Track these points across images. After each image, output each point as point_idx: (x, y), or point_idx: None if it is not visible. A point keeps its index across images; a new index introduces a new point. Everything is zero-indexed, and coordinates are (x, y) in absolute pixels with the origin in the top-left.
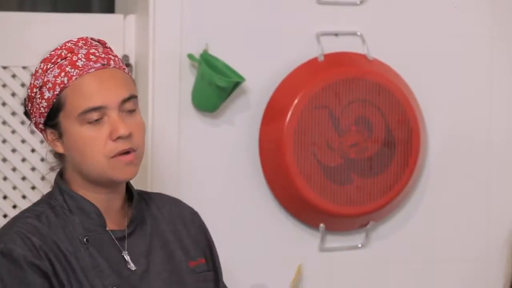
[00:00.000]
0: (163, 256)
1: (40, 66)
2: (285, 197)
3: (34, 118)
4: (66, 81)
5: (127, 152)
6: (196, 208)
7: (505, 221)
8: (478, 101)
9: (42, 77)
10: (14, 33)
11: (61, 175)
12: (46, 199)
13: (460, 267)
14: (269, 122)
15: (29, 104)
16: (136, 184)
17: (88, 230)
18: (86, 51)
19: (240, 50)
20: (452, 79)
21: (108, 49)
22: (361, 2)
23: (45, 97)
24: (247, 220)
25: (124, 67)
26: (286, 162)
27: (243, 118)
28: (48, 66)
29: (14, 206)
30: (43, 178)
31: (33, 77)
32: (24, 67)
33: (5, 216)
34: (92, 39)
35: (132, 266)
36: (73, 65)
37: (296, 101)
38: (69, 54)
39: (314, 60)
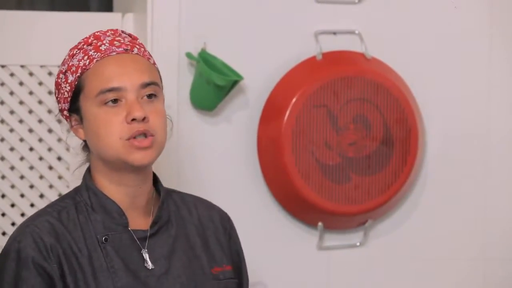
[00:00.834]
0: (185, 260)
1: (68, 53)
2: (283, 195)
3: (60, 105)
4: (87, 63)
5: (144, 137)
6: None
7: (503, 219)
8: (477, 99)
9: (68, 62)
10: (12, 31)
11: (89, 171)
12: (73, 194)
13: (458, 265)
14: (267, 120)
15: (56, 91)
16: None
17: (108, 229)
18: (111, 38)
19: (238, 49)
20: (450, 78)
21: (136, 41)
22: (359, 1)
23: (69, 81)
24: (245, 219)
25: (150, 57)
26: (284, 161)
27: (241, 116)
28: (74, 52)
29: (13, 205)
30: (41, 177)
31: (61, 64)
32: (22, 66)
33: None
34: (123, 31)
35: (149, 265)
36: (97, 49)
37: (294, 99)
38: (94, 41)
39: (313, 58)
